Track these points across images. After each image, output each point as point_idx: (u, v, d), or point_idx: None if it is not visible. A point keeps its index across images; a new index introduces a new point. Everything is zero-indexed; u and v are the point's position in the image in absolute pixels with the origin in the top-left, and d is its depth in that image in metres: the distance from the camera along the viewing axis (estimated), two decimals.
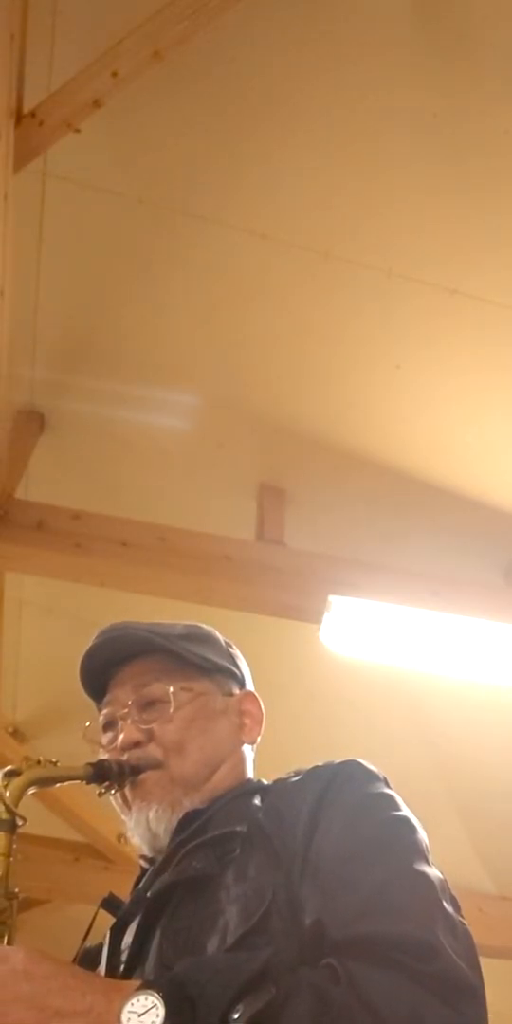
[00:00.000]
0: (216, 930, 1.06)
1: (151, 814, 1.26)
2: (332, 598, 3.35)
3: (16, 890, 1.17)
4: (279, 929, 1.04)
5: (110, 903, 1.30)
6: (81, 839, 4.75)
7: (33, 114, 2.69)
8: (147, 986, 0.94)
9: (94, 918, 1.30)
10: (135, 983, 0.96)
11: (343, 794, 1.16)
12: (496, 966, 4.85)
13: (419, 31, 2.73)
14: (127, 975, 1.10)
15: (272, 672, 4.45)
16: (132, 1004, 0.92)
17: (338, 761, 1.22)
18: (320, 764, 1.24)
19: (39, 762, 1.23)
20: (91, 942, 1.29)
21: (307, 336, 3.41)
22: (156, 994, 0.92)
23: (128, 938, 1.18)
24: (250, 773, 1.37)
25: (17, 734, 4.53)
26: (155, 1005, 0.91)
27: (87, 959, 1.25)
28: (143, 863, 1.31)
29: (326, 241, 3.15)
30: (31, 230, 3.14)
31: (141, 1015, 0.91)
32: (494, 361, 3.39)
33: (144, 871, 1.30)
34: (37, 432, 3.72)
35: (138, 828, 1.28)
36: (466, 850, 4.63)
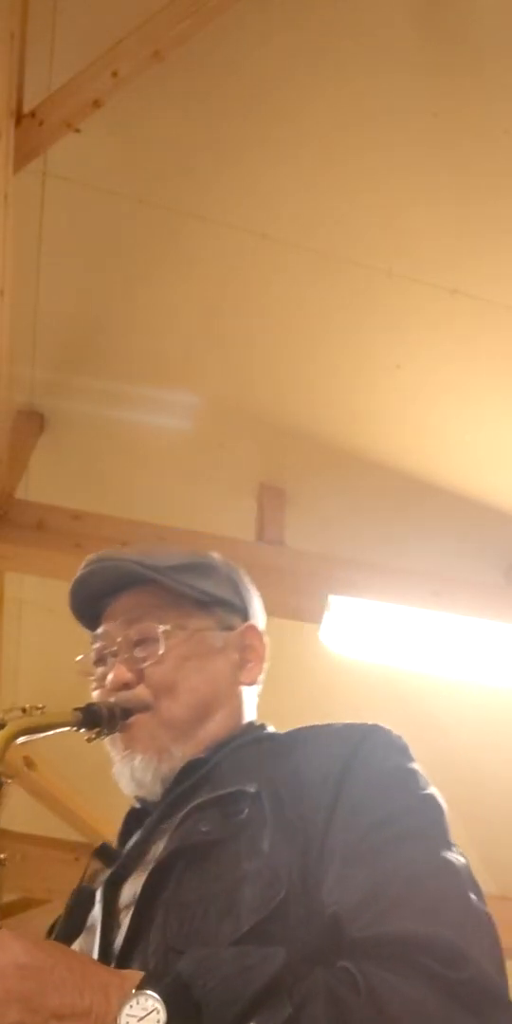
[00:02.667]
0: (228, 913, 0.96)
1: (136, 762, 1.18)
2: (332, 598, 3.35)
3: (1, 856, 1.08)
4: (295, 917, 0.95)
5: (104, 852, 1.20)
6: (81, 839, 4.75)
7: (33, 114, 2.69)
8: (148, 983, 0.87)
9: (87, 868, 1.21)
10: (135, 977, 0.89)
11: (369, 767, 1.06)
12: None
13: (420, 31, 2.73)
14: (128, 951, 1.01)
15: (272, 672, 4.46)
16: (131, 1007, 0.84)
17: (362, 724, 1.13)
18: (340, 725, 1.14)
19: (24, 710, 1.15)
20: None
21: (307, 336, 3.41)
22: (157, 997, 0.85)
23: (126, 896, 1.09)
24: (250, 716, 1.28)
25: None
26: (156, 1009, 0.84)
27: (80, 900, 1.15)
28: (138, 804, 1.22)
29: (327, 241, 3.15)
30: (31, 230, 3.14)
31: (141, 1019, 0.84)
32: (494, 361, 3.39)
33: (135, 813, 1.22)
34: (37, 432, 3.72)
35: (122, 776, 1.20)
36: (466, 850, 4.61)
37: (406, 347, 3.38)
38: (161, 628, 1.22)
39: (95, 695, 1.25)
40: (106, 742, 1.22)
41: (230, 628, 1.29)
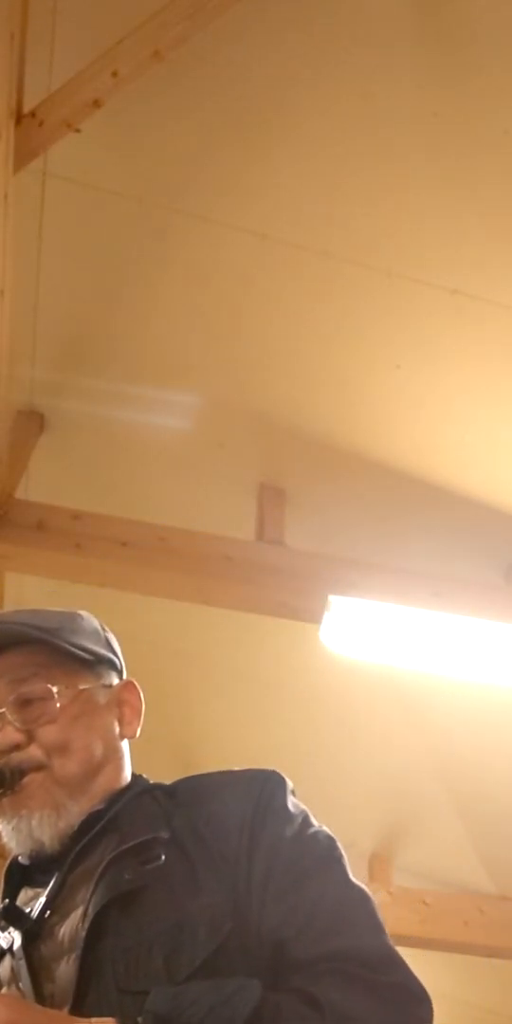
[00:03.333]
0: (175, 950, 1.03)
1: (34, 821, 1.18)
2: (332, 598, 3.35)
3: None
4: (235, 949, 1.04)
5: (7, 913, 1.19)
6: None
7: (33, 114, 2.69)
8: None
9: None
10: (108, 1022, 0.95)
11: (275, 811, 1.16)
12: (496, 966, 4.85)
13: (420, 31, 2.73)
14: (79, 1000, 1.03)
15: (272, 672, 4.46)
16: None
17: (259, 771, 1.21)
18: (238, 772, 1.22)
19: None
20: None
21: (307, 336, 3.41)
22: None
23: (51, 949, 1.11)
24: (130, 768, 1.30)
25: None
26: None
27: None
28: (24, 861, 1.22)
29: (326, 241, 3.15)
30: (31, 230, 3.14)
31: None
32: (494, 361, 3.39)
33: (20, 869, 1.23)
34: (37, 432, 3.72)
35: (18, 835, 1.19)
36: (466, 850, 4.63)
37: (406, 347, 3.38)
38: (54, 688, 1.23)
39: None
40: None
41: (109, 685, 1.31)
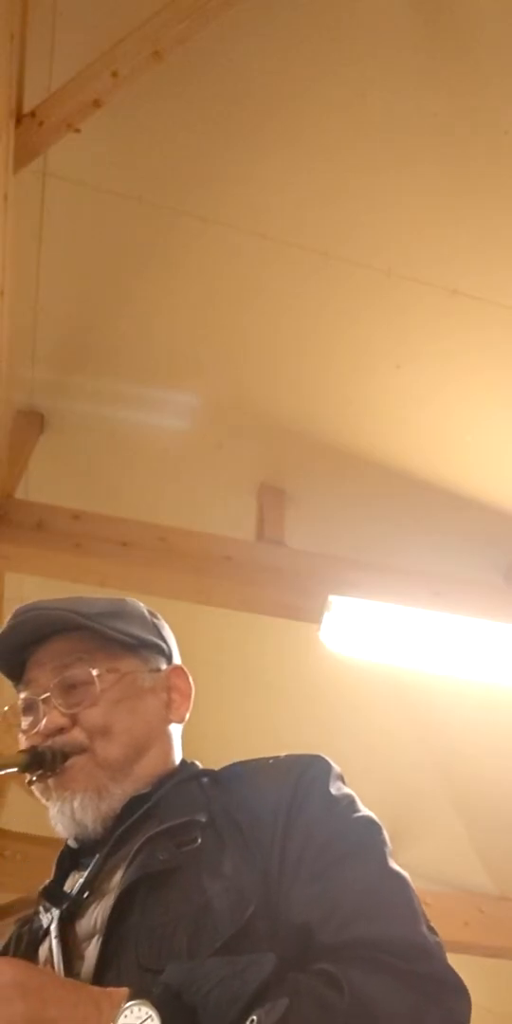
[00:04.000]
0: (199, 931, 1.04)
1: (76, 803, 1.20)
2: (332, 598, 3.35)
3: None
4: (262, 931, 1.03)
5: (48, 891, 1.22)
6: None
7: (33, 114, 2.70)
8: (137, 995, 0.93)
9: (36, 911, 1.24)
10: (122, 992, 0.94)
11: (314, 794, 1.15)
12: (496, 966, 4.85)
13: (420, 31, 2.73)
14: (100, 976, 1.05)
15: (272, 672, 4.46)
16: (125, 1016, 0.90)
17: (304, 755, 1.22)
18: (284, 757, 1.23)
19: None
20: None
21: (307, 336, 3.42)
22: (149, 1004, 0.90)
23: (84, 929, 1.13)
24: (180, 753, 1.33)
25: None
26: (150, 1016, 0.89)
27: (27, 937, 1.20)
28: (74, 844, 1.25)
29: (326, 241, 3.15)
30: (31, 230, 3.15)
31: None
32: (494, 361, 3.39)
33: (69, 853, 1.25)
34: (37, 432, 3.72)
35: (62, 818, 1.21)
36: (466, 850, 4.63)
37: (406, 347, 3.38)
38: (94, 672, 1.25)
39: (23, 743, 1.26)
40: (35, 790, 1.24)
41: (157, 670, 1.33)
